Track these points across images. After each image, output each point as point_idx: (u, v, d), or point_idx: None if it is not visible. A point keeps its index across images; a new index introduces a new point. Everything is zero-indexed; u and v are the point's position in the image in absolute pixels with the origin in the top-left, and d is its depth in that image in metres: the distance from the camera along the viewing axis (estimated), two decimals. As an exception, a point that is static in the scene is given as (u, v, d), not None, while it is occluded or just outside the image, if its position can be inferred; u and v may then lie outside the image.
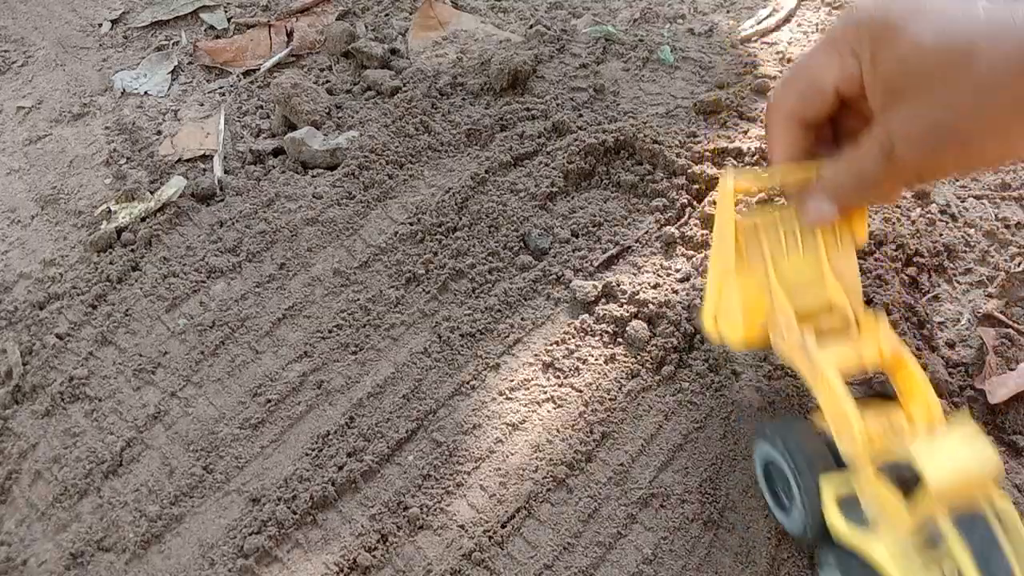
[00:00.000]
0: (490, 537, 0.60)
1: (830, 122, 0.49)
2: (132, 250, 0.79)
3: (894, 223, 0.74)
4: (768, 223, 0.54)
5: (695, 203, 0.77)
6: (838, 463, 0.51)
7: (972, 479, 0.44)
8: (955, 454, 0.45)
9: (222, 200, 0.82)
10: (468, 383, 0.68)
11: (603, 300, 0.71)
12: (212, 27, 1.01)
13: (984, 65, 0.39)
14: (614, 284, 0.71)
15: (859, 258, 0.71)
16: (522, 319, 0.71)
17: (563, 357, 0.69)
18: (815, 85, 0.47)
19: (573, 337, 0.70)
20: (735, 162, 0.79)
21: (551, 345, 0.69)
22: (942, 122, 0.41)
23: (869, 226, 0.73)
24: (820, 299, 0.53)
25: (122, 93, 0.95)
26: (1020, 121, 0.39)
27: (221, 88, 0.94)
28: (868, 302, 0.69)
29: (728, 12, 0.98)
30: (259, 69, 0.95)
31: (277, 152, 0.86)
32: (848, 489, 0.50)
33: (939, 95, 0.41)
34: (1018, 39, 0.39)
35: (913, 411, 0.50)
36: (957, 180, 0.78)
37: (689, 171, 0.78)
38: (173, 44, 1.00)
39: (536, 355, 0.69)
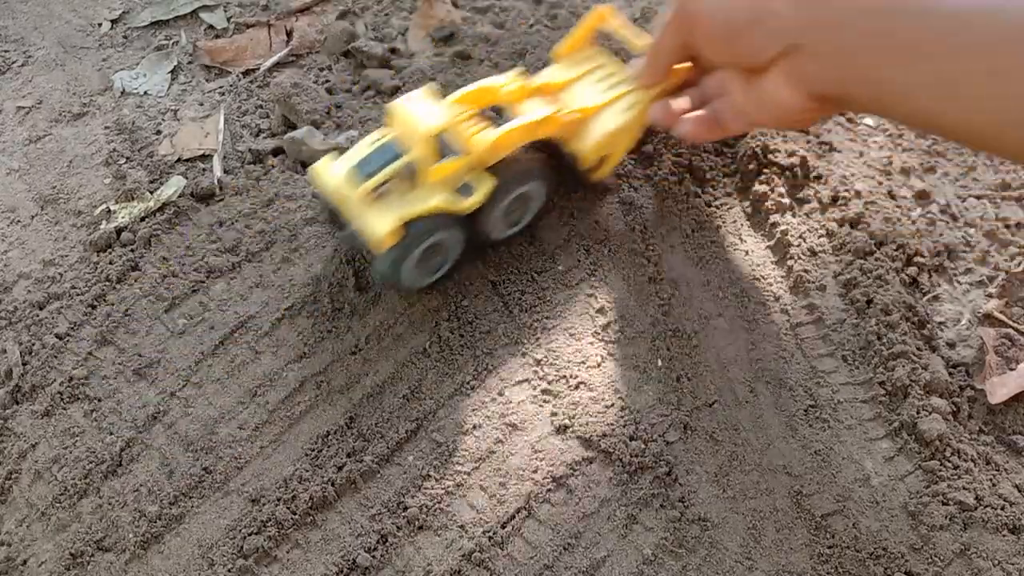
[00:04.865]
0: (490, 537, 0.60)
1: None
2: (132, 250, 0.79)
3: (894, 223, 0.74)
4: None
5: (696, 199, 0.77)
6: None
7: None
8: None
9: (221, 200, 0.82)
10: (468, 383, 0.68)
11: (606, 304, 0.71)
12: (212, 27, 1.01)
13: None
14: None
15: (859, 258, 0.71)
16: (523, 320, 0.71)
17: (563, 358, 0.69)
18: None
19: (574, 336, 0.70)
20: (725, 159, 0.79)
21: (552, 345, 0.69)
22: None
23: (868, 226, 0.73)
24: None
25: (122, 93, 0.95)
26: None
27: (221, 88, 0.94)
28: (868, 303, 0.69)
29: (728, 12, 0.98)
30: (259, 69, 0.95)
31: (277, 152, 0.86)
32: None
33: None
34: None
35: None
36: (957, 180, 0.78)
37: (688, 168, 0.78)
38: (173, 44, 1.00)
39: (537, 355, 0.69)
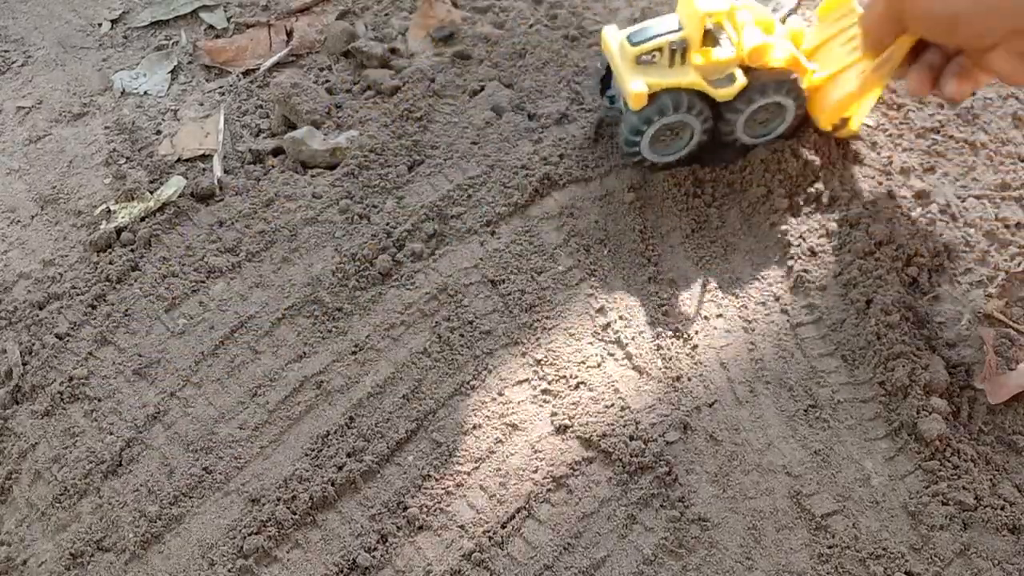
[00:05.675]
0: (490, 537, 0.60)
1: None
2: (132, 250, 0.79)
3: (894, 223, 0.74)
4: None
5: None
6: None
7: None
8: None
9: (221, 200, 0.82)
10: (468, 383, 0.68)
11: (606, 304, 0.71)
12: (212, 27, 1.01)
13: None
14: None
15: (859, 258, 0.71)
16: (523, 320, 0.71)
17: (563, 358, 0.69)
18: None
19: (574, 336, 0.70)
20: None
21: (552, 345, 0.69)
22: None
23: (868, 226, 0.73)
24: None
25: (122, 93, 0.95)
26: None
27: (221, 88, 0.94)
28: (868, 303, 0.69)
29: (728, 12, 0.98)
30: (259, 69, 0.95)
31: (277, 152, 0.86)
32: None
33: None
34: None
35: None
36: (957, 180, 0.78)
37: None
38: (173, 44, 1.00)
39: (537, 355, 0.69)
